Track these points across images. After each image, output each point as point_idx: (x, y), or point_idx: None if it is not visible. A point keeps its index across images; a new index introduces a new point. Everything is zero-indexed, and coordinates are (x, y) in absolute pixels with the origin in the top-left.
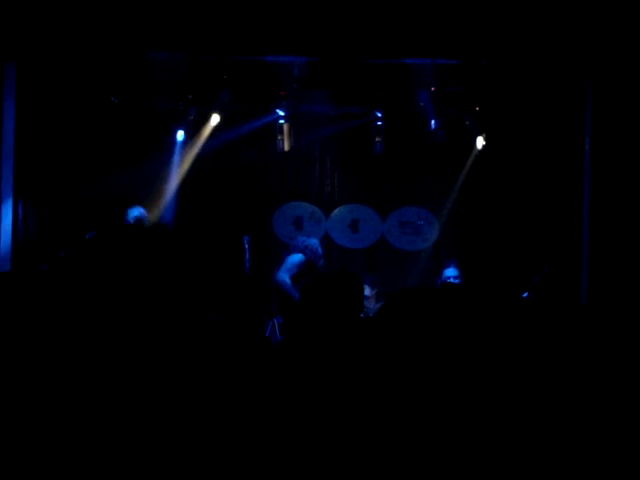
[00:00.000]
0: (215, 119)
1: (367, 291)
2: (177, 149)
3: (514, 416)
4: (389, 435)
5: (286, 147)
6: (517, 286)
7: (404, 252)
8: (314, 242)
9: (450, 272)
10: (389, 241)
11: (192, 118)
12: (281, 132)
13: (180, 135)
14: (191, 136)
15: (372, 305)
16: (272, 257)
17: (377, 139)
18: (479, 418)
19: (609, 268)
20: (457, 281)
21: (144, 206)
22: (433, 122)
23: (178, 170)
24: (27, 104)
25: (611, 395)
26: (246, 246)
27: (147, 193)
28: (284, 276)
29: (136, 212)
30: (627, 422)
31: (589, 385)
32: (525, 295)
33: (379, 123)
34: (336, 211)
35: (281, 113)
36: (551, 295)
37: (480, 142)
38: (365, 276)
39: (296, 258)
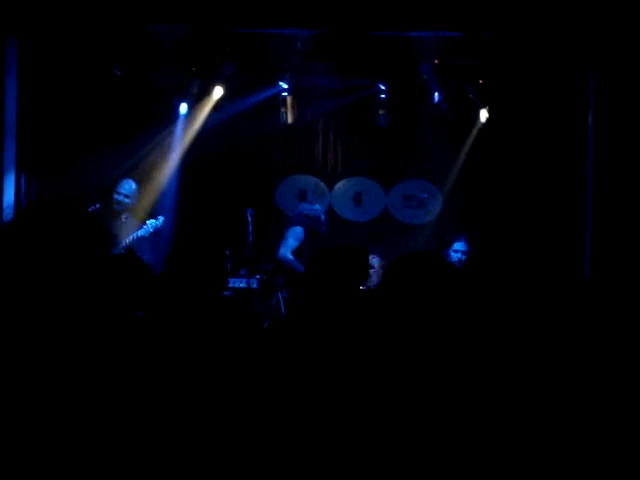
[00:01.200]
0: (218, 92)
1: (376, 261)
2: (180, 122)
3: (515, 390)
4: (391, 415)
5: (289, 120)
6: (521, 260)
7: (408, 225)
8: (315, 210)
9: (459, 246)
10: (393, 214)
11: (195, 91)
12: (284, 105)
13: (183, 108)
14: (194, 109)
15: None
16: (275, 230)
17: (380, 112)
18: (481, 393)
19: (612, 241)
20: (465, 256)
21: (147, 179)
22: (437, 95)
23: (181, 143)
24: (29, 77)
25: (614, 372)
26: (249, 219)
27: (150, 166)
28: (285, 252)
29: (126, 187)
30: (629, 398)
31: (591, 361)
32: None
33: (382, 96)
34: (340, 184)
35: (284, 86)
36: (554, 269)
37: (484, 115)
38: (376, 248)
39: (295, 232)
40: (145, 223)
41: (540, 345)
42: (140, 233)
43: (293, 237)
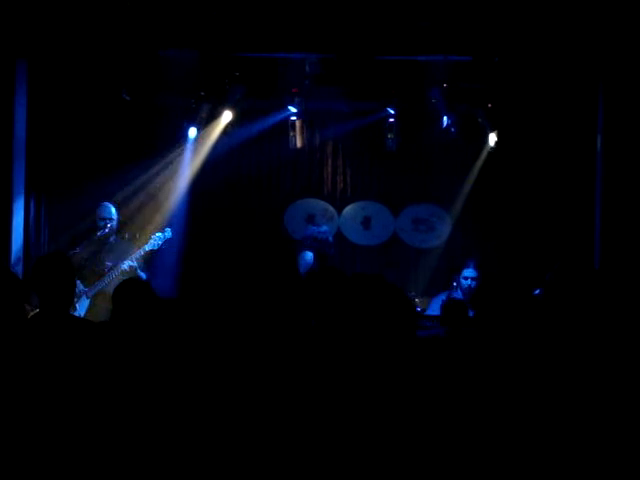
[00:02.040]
0: (227, 116)
1: None
2: (189, 146)
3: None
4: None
5: (298, 144)
6: (529, 283)
7: (417, 249)
8: (323, 232)
9: (469, 273)
10: (402, 238)
11: (204, 115)
12: (293, 129)
13: (192, 132)
14: (203, 133)
15: None
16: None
17: (389, 136)
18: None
19: (620, 264)
20: (474, 282)
21: (155, 203)
22: (445, 118)
23: (190, 167)
24: (39, 101)
25: (620, 392)
26: None
27: (158, 189)
28: None
29: (108, 211)
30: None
31: (598, 380)
32: (537, 292)
33: (391, 120)
34: (348, 208)
35: (293, 110)
36: (563, 292)
37: (492, 139)
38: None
39: (305, 257)
40: (151, 238)
41: (551, 339)
42: (148, 247)
43: (303, 263)
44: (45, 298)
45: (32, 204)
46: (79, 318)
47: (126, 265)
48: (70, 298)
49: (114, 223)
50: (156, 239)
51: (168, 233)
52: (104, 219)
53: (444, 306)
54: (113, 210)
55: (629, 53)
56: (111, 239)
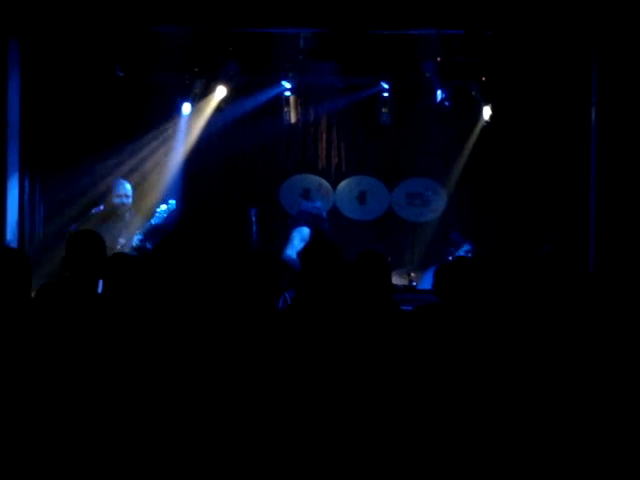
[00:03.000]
0: (221, 92)
1: None
2: (183, 122)
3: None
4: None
5: (293, 119)
6: (525, 255)
7: (412, 223)
8: (317, 207)
9: (467, 247)
10: (397, 212)
11: (198, 91)
12: (287, 104)
13: (186, 108)
14: (197, 109)
15: None
16: (279, 229)
17: (384, 110)
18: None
19: (616, 236)
20: (470, 255)
21: (150, 179)
22: (439, 92)
23: (184, 143)
24: (32, 79)
25: (618, 366)
26: (253, 218)
27: (153, 166)
28: (291, 253)
29: (125, 187)
30: (632, 392)
31: (596, 354)
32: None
33: (385, 94)
34: (343, 183)
35: (287, 85)
36: (559, 264)
37: (487, 112)
38: (376, 246)
39: (301, 232)
40: (156, 212)
41: (545, 339)
42: (154, 221)
43: (299, 237)
44: (76, 274)
45: (27, 182)
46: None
47: (136, 240)
48: (99, 275)
49: (130, 200)
50: (161, 212)
51: (172, 204)
52: (121, 196)
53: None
54: (128, 187)
55: (623, 24)
56: (127, 215)
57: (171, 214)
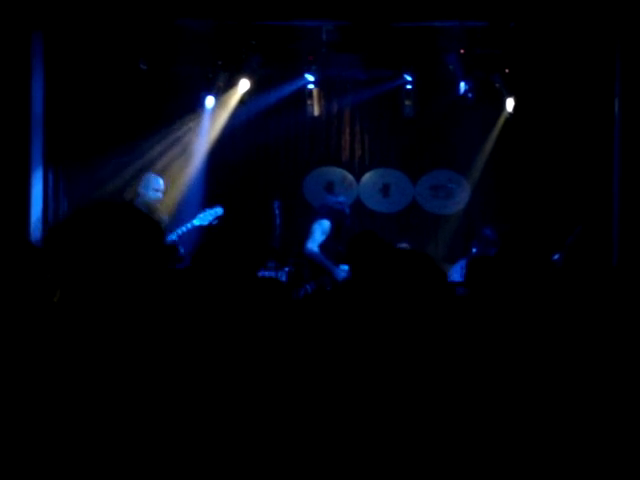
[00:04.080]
0: (244, 85)
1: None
2: (206, 115)
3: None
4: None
5: (316, 112)
6: (549, 247)
7: (436, 216)
8: (340, 202)
9: (492, 235)
10: (420, 205)
11: (221, 84)
12: (310, 97)
13: (209, 101)
14: (220, 102)
15: None
16: (303, 222)
17: (407, 102)
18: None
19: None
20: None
21: (173, 173)
22: (463, 84)
23: (208, 136)
24: (55, 73)
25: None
26: (277, 211)
27: (177, 159)
28: (312, 245)
29: (159, 182)
30: None
31: (618, 348)
32: (557, 257)
33: (409, 86)
34: (367, 176)
35: (310, 78)
36: (583, 256)
37: (510, 104)
38: (402, 237)
39: (322, 225)
40: (201, 214)
41: (567, 333)
42: (196, 222)
43: (320, 231)
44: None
45: (50, 176)
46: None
47: (169, 239)
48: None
49: (162, 195)
50: (207, 215)
51: (219, 210)
52: (157, 190)
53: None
54: (161, 182)
55: None
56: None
57: (218, 218)
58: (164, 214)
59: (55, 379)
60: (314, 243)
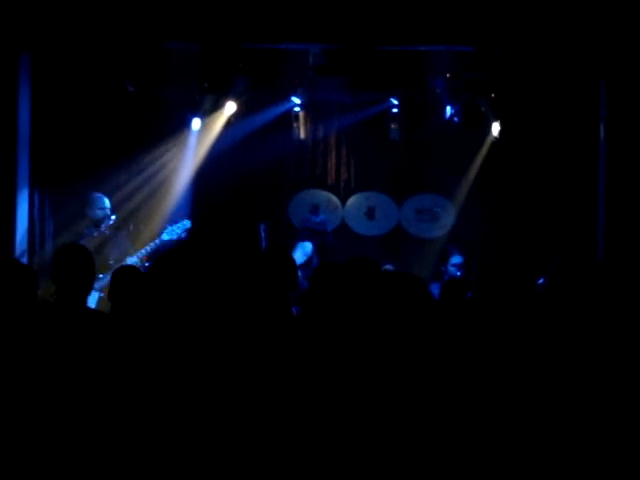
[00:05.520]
0: (231, 107)
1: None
2: (193, 137)
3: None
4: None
5: (302, 135)
6: (533, 272)
7: (420, 239)
8: (319, 223)
9: (457, 259)
10: (405, 228)
11: (208, 107)
12: (297, 120)
13: (196, 123)
14: (207, 124)
15: None
16: (288, 245)
17: (393, 126)
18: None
19: (624, 252)
20: (462, 269)
21: (159, 194)
22: (449, 108)
23: (194, 158)
24: (42, 94)
25: (628, 358)
26: (262, 234)
27: (162, 181)
28: None
29: (105, 201)
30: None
31: (605, 348)
32: (541, 281)
33: (395, 110)
34: (352, 199)
35: (297, 101)
36: (567, 281)
37: (496, 128)
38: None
39: (304, 247)
40: (168, 228)
41: (554, 333)
42: (165, 237)
43: (302, 252)
44: (64, 288)
45: (36, 197)
46: (93, 310)
47: (138, 256)
48: (88, 289)
49: (110, 213)
50: (174, 229)
51: (187, 223)
52: (104, 209)
53: (444, 284)
54: (107, 201)
55: (631, 42)
56: (113, 231)
57: (184, 233)
58: (143, 235)
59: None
60: None
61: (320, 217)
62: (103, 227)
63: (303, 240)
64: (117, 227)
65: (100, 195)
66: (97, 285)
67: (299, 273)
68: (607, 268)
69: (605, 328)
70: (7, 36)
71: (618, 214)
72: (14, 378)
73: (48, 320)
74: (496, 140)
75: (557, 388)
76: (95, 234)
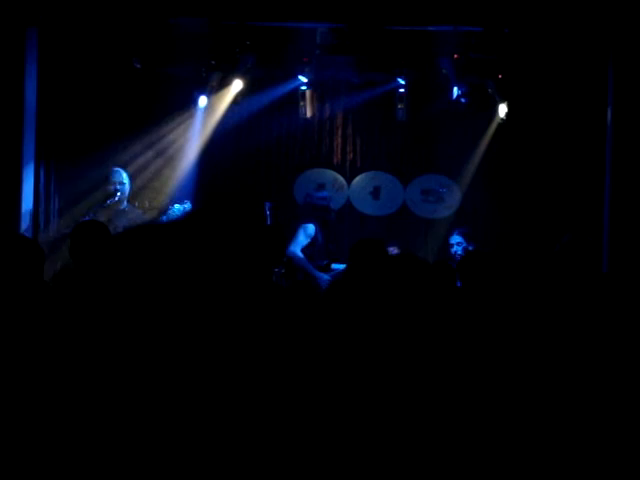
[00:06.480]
0: (237, 85)
1: (395, 252)
2: (199, 115)
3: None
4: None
5: (308, 114)
6: (539, 254)
7: (426, 219)
8: (322, 197)
9: (454, 239)
10: (411, 209)
11: (214, 84)
12: (303, 99)
13: (202, 101)
14: (213, 102)
15: None
16: (294, 223)
17: (399, 106)
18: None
19: (630, 237)
20: (460, 248)
21: (165, 171)
22: (456, 89)
23: (200, 136)
24: (49, 69)
25: (632, 365)
26: (267, 212)
27: (168, 158)
28: (295, 249)
29: (120, 175)
30: None
31: (607, 354)
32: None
33: (402, 90)
34: (358, 178)
35: (304, 80)
36: (572, 263)
37: (502, 110)
38: (392, 241)
39: (306, 229)
40: (169, 209)
41: (557, 340)
42: (165, 218)
43: (303, 234)
44: (81, 264)
45: (42, 172)
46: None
47: None
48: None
49: (125, 188)
50: (174, 211)
51: (188, 205)
52: (114, 183)
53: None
54: (125, 175)
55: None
56: (122, 206)
57: (184, 215)
58: (147, 212)
59: (51, 372)
60: (297, 246)
61: (324, 192)
62: (109, 202)
63: (305, 222)
64: (129, 200)
65: (116, 169)
66: None
67: (300, 255)
68: (612, 252)
69: (610, 310)
70: (14, 10)
71: (624, 198)
72: (22, 357)
73: (64, 294)
74: (503, 122)
75: (558, 379)
76: (106, 205)
